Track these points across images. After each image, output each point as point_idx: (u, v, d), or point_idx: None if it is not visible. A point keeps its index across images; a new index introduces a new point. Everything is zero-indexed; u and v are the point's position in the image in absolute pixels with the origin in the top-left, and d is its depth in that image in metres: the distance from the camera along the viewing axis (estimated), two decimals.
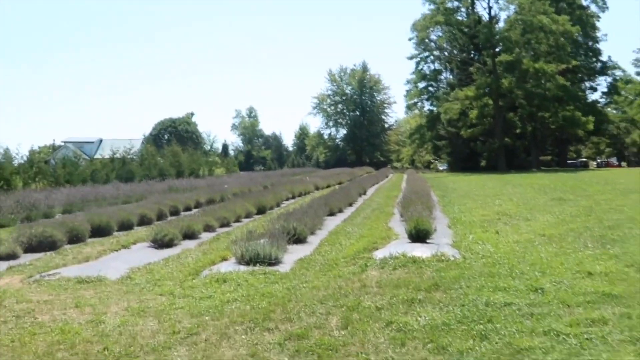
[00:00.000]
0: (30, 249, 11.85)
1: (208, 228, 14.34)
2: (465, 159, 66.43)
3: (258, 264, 9.43)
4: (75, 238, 13.03)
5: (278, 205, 21.69)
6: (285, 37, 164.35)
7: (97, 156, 63.23)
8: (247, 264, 9.57)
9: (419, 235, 10.49)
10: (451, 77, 78.65)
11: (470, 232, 12.12)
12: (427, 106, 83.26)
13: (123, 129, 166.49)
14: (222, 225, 15.31)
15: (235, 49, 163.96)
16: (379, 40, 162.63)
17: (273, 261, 9.62)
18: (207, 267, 9.69)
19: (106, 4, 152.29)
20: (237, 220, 16.60)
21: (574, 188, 24.93)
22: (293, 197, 25.56)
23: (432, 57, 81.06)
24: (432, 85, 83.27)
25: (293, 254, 10.53)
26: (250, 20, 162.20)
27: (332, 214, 17.16)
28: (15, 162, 35.52)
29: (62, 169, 37.75)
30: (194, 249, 11.67)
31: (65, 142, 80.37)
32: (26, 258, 11.12)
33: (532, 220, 13.98)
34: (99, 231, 14.12)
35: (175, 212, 18.92)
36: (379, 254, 9.60)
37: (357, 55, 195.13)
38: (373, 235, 12.17)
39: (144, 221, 16.37)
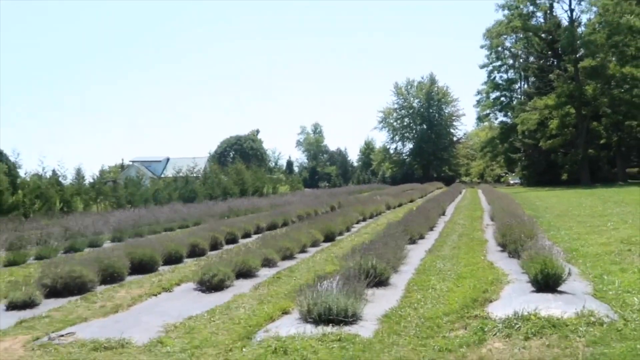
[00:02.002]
0: (54, 292, 9.82)
1: (267, 262, 12.01)
2: (543, 172, 62.20)
3: (330, 324, 7.01)
4: (110, 277, 10.94)
5: (348, 229, 19.19)
6: (349, 51, 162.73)
7: (165, 175, 62.66)
8: (316, 321, 7.15)
9: (548, 283, 7.77)
10: (526, 86, 74.89)
11: (603, 271, 9.31)
12: (500, 117, 79.86)
13: (191, 148, 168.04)
14: (285, 258, 12.96)
15: (300, 65, 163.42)
16: (447, 51, 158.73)
17: (350, 319, 7.16)
18: (263, 324, 7.33)
19: (171, 23, 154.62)
20: (303, 251, 14.22)
21: None
22: (364, 219, 23.00)
23: (505, 66, 77.79)
24: (505, 96, 79.85)
25: (375, 305, 8.03)
26: (315, 36, 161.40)
27: (412, 241, 14.57)
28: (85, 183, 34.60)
29: (124, 190, 36.54)
30: (248, 294, 9.32)
31: (133, 161, 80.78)
32: (47, 306, 9.06)
33: None
34: (141, 267, 12.00)
35: (232, 240, 16.71)
36: (497, 310, 7.00)
37: (425, 67, 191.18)
38: (476, 276, 9.54)
39: (195, 252, 14.21)
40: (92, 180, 35.63)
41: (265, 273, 11.31)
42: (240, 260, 10.89)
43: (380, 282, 9.33)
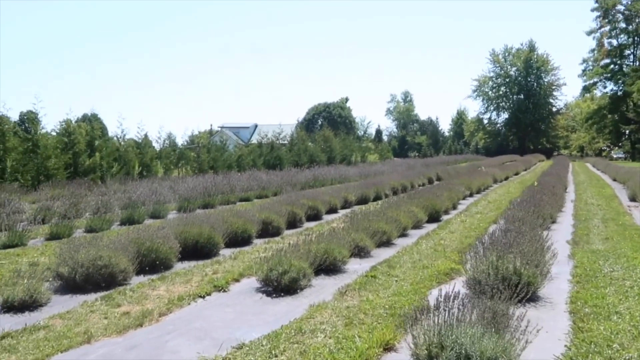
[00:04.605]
0: (72, 286, 7.33)
1: (358, 251, 9.10)
2: None
3: None
4: (152, 265, 8.36)
5: (454, 207, 15.88)
6: (443, 17, 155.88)
7: (253, 141, 61.00)
8: None
9: None
10: None
11: None
12: (609, 86, 73.24)
13: (280, 116, 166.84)
14: (381, 245, 10.00)
15: (391, 31, 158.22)
16: (547, 17, 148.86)
17: None
18: None
19: None
20: (402, 234, 11.20)
21: None
22: (471, 195, 19.59)
23: (617, 30, 70.95)
24: (615, 63, 72.89)
25: (533, 345, 4.92)
26: (406, 1, 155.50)
27: (543, 226, 11.21)
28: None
29: (206, 155, 34.56)
30: (330, 305, 6.40)
31: (221, 127, 79.91)
32: (53, 308, 6.60)
33: None
34: (196, 250, 9.40)
35: (314, 216, 13.90)
36: None
37: (523, 34, 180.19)
38: None
39: (268, 231, 11.49)
40: (180, 145, 34.07)
41: (354, 267, 8.39)
42: (322, 250, 8.01)
43: (530, 298, 6.21)
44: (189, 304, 6.66)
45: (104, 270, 7.42)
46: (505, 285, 5.95)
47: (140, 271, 8.12)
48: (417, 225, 12.15)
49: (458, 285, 6.81)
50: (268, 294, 7.03)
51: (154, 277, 7.93)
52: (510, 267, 6.37)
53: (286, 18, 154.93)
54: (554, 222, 12.46)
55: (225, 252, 9.75)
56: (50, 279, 7.55)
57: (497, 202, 17.14)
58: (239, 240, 10.52)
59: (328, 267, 8.02)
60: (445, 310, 4.76)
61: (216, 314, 6.24)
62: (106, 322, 5.98)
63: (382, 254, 9.34)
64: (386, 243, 10.18)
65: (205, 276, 7.93)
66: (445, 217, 13.90)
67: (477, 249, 7.09)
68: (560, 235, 10.85)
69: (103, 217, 13.35)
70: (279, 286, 7.04)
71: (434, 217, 13.28)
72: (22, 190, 19.86)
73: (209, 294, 7.04)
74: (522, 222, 9.25)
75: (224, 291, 7.23)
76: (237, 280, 7.68)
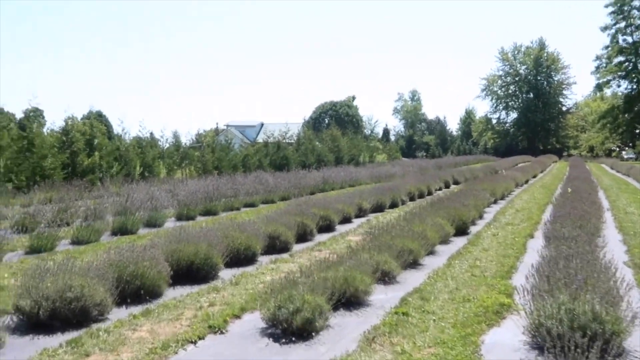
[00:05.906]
0: (36, 324, 5.94)
1: (383, 275, 7.65)
2: None
3: None
4: (136, 295, 6.94)
5: (481, 216, 14.38)
6: (451, 15, 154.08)
7: (259, 140, 59.72)
8: None
9: None
10: None
11: None
12: (623, 84, 71.55)
13: (286, 114, 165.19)
14: (407, 266, 8.55)
15: (399, 29, 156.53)
16: (558, 13, 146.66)
17: None
18: None
19: None
20: (430, 252, 9.74)
21: None
22: (495, 202, 17.95)
23: (632, 27, 69.29)
24: (629, 60, 71.03)
25: None
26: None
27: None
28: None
29: (210, 154, 33.20)
30: (356, 355, 4.98)
31: (228, 125, 78.60)
32: (5, 358, 5.17)
33: None
34: (191, 273, 7.98)
35: (326, 227, 12.44)
36: None
37: (534, 32, 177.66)
38: None
39: (275, 246, 10.07)
40: (184, 144, 32.86)
41: (379, 298, 6.94)
42: (342, 279, 6.58)
43: (615, 351, 4.77)
44: (176, 352, 5.26)
45: (74, 304, 6.03)
46: (582, 335, 4.57)
47: (122, 301, 6.71)
48: (444, 240, 10.69)
49: (516, 331, 5.41)
50: (276, 338, 5.61)
51: (137, 310, 6.52)
52: (587, 310, 4.94)
53: (293, 16, 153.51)
54: (598, 236, 10.98)
55: (225, 273, 8.34)
56: (12, 313, 6.20)
57: (526, 210, 15.68)
58: (241, 258, 9.10)
59: (348, 300, 6.59)
60: None
61: None
62: None
63: (409, 279, 7.89)
64: (413, 264, 8.73)
65: (200, 309, 6.52)
66: (473, 229, 12.39)
67: (538, 283, 5.66)
68: (611, 254, 9.36)
69: (92, 227, 11.95)
70: (290, 329, 5.63)
71: (461, 229, 11.79)
72: (14, 192, 18.64)
73: (202, 338, 5.63)
74: (576, 242, 7.81)
75: (221, 332, 5.82)
76: (237, 317, 6.27)
